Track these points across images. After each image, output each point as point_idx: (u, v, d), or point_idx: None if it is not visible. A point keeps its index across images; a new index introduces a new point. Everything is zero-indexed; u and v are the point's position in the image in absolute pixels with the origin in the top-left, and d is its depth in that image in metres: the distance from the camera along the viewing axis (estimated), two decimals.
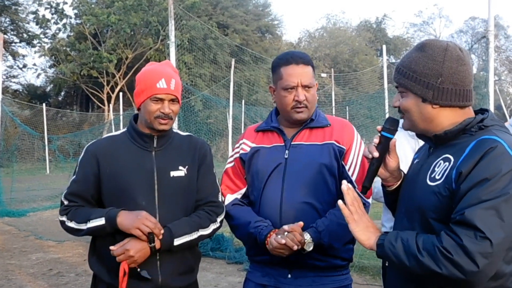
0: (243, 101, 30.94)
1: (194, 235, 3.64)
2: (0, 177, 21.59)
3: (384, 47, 24.95)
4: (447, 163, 2.60)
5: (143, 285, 3.58)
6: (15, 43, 50.70)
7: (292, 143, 3.76)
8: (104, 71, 46.28)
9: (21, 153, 34.55)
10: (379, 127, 2.96)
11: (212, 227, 3.75)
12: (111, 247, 3.48)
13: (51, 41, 49.25)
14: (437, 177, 2.62)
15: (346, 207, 2.84)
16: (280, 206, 3.66)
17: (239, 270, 9.90)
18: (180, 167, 3.73)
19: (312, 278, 3.62)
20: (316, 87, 3.82)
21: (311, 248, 3.50)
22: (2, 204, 18.32)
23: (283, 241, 3.42)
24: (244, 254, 8.44)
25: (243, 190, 3.92)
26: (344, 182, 2.94)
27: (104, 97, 48.18)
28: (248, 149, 3.87)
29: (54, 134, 37.51)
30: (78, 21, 48.05)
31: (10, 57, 50.34)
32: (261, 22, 56.59)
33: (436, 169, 2.67)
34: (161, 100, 3.59)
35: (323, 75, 45.04)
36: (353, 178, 3.68)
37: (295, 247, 3.42)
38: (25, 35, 49.80)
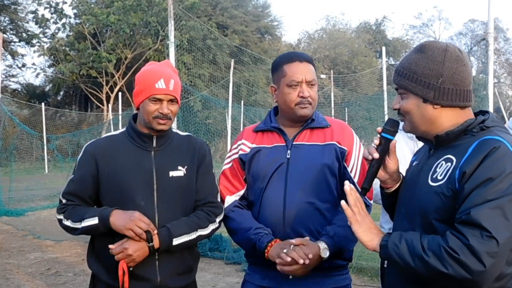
0: (242, 101, 30.95)
1: (193, 235, 3.64)
2: None
3: (383, 49, 24.93)
4: (449, 164, 2.60)
5: (142, 285, 3.59)
6: (14, 42, 50.70)
7: (294, 143, 3.75)
8: (103, 71, 46.27)
9: (19, 153, 34.55)
10: (379, 128, 2.95)
11: (211, 227, 3.74)
12: (110, 246, 3.48)
13: (50, 40, 49.22)
14: (439, 178, 2.62)
15: (349, 208, 2.84)
16: (284, 206, 3.65)
17: (237, 270, 9.90)
18: (179, 167, 3.73)
19: (314, 279, 3.61)
20: (317, 86, 3.82)
21: (327, 255, 3.47)
22: (0, 204, 18.30)
23: (289, 259, 3.38)
24: (242, 255, 8.44)
25: (241, 192, 3.89)
26: (347, 182, 2.92)
27: (103, 97, 48.17)
28: (248, 149, 3.84)
29: (53, 133, 37.52)
30: (78, 21, 48.04)
31: (9, 57, 50.36)
32: (261, 23, 56.59)
33: (437, 169, 2.66)
34: (160, 100, 3.59)
35: (322, 76, 45.03)
36: (355, 180, 3.68)
37: (301, 261, 3.37)
38: (24, 35, 49.78)
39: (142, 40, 45.34)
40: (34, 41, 49.43)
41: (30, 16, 48.62)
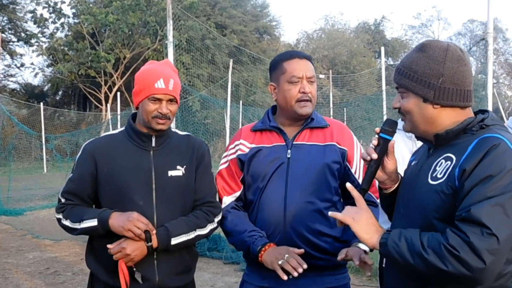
0: (240, 101, 30.93)
1: (191, 235, 3.64)
2: None
3: (382, 49, 24.93)
4: (448, 162, 2.60)
5: (141, 285, 3.59)
6: (13, 42, 50.68)
7: (294, 142, 3.75)
8: (102, 71, 46.23)
9: (18, 152, 34.51)
10: (377, 129, 2.95)
11: (209, 227, 3.74)
12: (109, 245, 3.49)
13: (49, 40, 49.14)
14: (439, 176, 2.61)
15: (354, 190, 2.87)
16: (284, 205, 3.65)
17: (235, 270, 9.90)
18: (178, 167, 3.73)
19: (313, 278, 3.62)
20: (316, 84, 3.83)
21: (368, 248, 3.44)
22: None
23: (285, 277, 3.40)
24: (241, 254, 8.44)
25: (238, 193, 3.88)
26: (348, 184, 2.94)
27: (102, 96, 48.17)
28: (246, 150, 3.83)
29: (52, 133, 37.48)
30: (76, 21, 48.01)
31: (7, 56, 50.31)
32: (259, 23, 56.55)
33: (437, 168, 2.66)
34: (159, 100, 3.59)
35: (321, 76, 45.00)
36: (360, 180, 3.68)
37: (296, 274, 3.38)
38: (22, 34, 49.75)
39: (141, 40, 45.32)
40: (32, 41, 49.36)
41: (29, 15, 48.62)
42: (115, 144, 3.76)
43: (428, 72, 2.67)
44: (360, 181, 3.67)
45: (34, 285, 9.19)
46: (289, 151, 3.73)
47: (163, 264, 3.64)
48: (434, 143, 2.77)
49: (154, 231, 3.51)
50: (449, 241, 2.37)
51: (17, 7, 49.34)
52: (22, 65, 52.84)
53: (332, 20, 75.70)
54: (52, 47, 47.30)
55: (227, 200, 3.88)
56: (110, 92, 47.22)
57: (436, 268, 2.41)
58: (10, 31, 49.90)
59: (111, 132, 3.95)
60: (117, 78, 46.89)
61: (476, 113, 2.78)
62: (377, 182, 3.13)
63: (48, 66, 53.11)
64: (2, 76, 51.30)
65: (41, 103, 40.24)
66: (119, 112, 36.36)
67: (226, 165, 3.92)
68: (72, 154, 29.84)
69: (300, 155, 3.72)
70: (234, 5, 52.91)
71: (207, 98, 32.80)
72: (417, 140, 2.97)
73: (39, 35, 49.16)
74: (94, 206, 3.80)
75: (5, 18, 48.99)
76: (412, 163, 3.02)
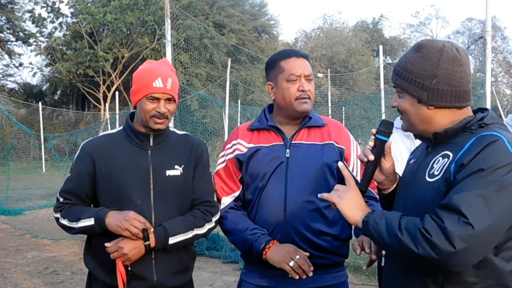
0: (239, 101, 30.93)
1: (189, 234, 3.65)
2: None
3: (380, 47, 24.87)
4: (446, 159, 2.60)
5: (138, 283, 3.59)
6: (11, 41, 50.65)
7: (293, 142, 3.76)
8: (100, 70, 46.24)
9: (17, 152, 34.47)
10: (374, 130, 2.96)
11: (207, 226, 3.75)
12: (106, 244, 3.50)
13: (47, 40, 49.09)
14: (436, 173, 2.62)
15: (345, 169, 2.92)
16: (284, 205, 3.66)
17: (234, 269, 9.90)
18: (176, 166, 3.73)
19: (313, 276, 3.60)
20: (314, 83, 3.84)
21: None
22: None
23: (297, 276, 3.46)
24: (239, 254, 8.45)
25: (237, 193, 3.88)
26: (340, 162, 3.01)
27: (100, 96, 48.16)
28: (244, 149, 3.82)
29: (50, 133, 37.45)
30: (74, 20, 48.00)
31: (6, 56, 50.35)
32: (258, 22, 56.57)
33: (434, 165, 2.66)
34: (157, 99, 3.59)
35: (319, 75, 45.02)
36: (358, 178, 3.68)
37: (304, 276, 3.46)
38: (21, 34, 49.70)
39: (139, 39, 45.32)
40: (31, 40, 49.32)
41: (27, 15, 48.57)
42: (113, 143, 3.76)
43: (422, 73, 2.67)
44: (358, 179, 3.67)
45: (33, 284, 9.19)
46: (287, 150, 3.74)
47: (161, 264, 3.64)
48: (433, 142, 2.78)
49: (152, 230, 3.52)
50: (425, 225, 2.39)
51: (15, 7, 49.32)
52: (21, 64, 52.87)
53: (330, 19, 75.81)
54: (51, 46, 47.29)
55: (226, 200, 3.88)
56: (109, 92, 47.20)
57: (408, 250, 2.42)
58: (8, 31, 49.92)
59: (109, 131, 3.95)
60: (115, 77, 46.90)
61: (475, 112, 2.78)
62: (375, 182, 3.14)
63: (46, 65, 53.18)
64: (0, 75, 51.38)
65: (40, 103, 40.18)
66: (117, 111, 36.36)
67: (223, 165, 3.91)
68: (70, 154, 29.80)
69: (299, 154, 3.73)
70: (232, 4, 52.93)
71: (206, 97, 32.74)
72: (416, 138, 2.98)
73: (38, 34, 49.14)
74: (92, 205, 3.81)
75: (3, 17, 48.96)
76: (411, 162, 3.03)
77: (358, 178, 3.69)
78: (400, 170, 3.11)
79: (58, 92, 57.17)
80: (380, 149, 2.92)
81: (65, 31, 49.22)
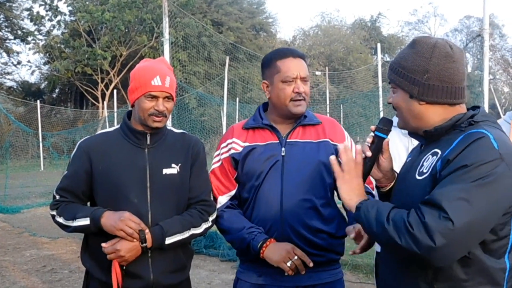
0: (237, 98, 30.90)
1: (185, 234, 3.65)
2: None
3: (378, 45, 24.89)
4: (434, 157, 2.62)
5: (135, 282, 3.60)
6: (9, 40, 50.58)
7: (288, 140, 3.77)
8: (99, 68, 46.17)
9: (15, 150, 34.44)
10: (372, 127, 2.98)
11: (204, 226, 3.76)
12: (103, 244, 3.50)
13: (46, 38, 49.05)
14: (425, 171, 2.65)
15: (337, 164, 2.88)
16: (281, 203, 3.67)
17: (232, 267, 9.90)
18: (173, 165, 3.73)
19: (309, 274, 3.63)
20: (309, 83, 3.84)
21: None
22: None
23: (303, 272, 3.53)
24: None
25: (233, 192, 3.89)
26: (343, 144, 2.98)
27: (98, 94, 48.11)
28: (240, 148, 3.83)
29: (48, 131, 37.41)
30: (73, 18, 47.90)
31: (4, 54, 50.31)
32: (256, 20, 56.56)
33: (424, 163, 2.69)
34: (156, 97, 3.60)
35: (318, 73, 44.97)
36: None
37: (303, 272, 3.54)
38: (19, 32, 49.60)
39: (137, 37, 45.25)
40: (29, 39, 49.19)
41: (25, 13, 48.45)
42: (110, 142, 3.77)
43: (414, 69, 2.70)
44: None
45: (31, 282, 9.20)
46: (283, 149, 3.75)
47: (157, 262, 3.65)
48: (425, 139, 2.80)
49: (147, 230, 3.52)
50: (409, 218, 2.41)
51: (13, 5, 49.24)
52: (19, 62, 52.76)
53: (328, 17, 75.76)
54: (49, 44, 47.24)
55: (223, 199, 3.89)
56: (107, 90, 47.16)
57: (392, 240, 2.45)
58: (6, 29, 49.86)
59: (106, 130, 3.95)
60: (113, 75, 46.86)
61: (469, 110, 2.79)
62: (374, 181, 3.15)
63: (44, 63, 53.11)
64: None
65: (38, 101, 40.15)
66: (115, 109, 36.36)
67: (219, 164, 3.92)
68: (68, 152, 29.77)
69: (294, 152, 3.74)
70: (230, 2, 52.92)
71: (204, 95, 32.71)
72: (410, 136, 2.99)
73: (36, 32, 49.03)
74: (89, 203, 3.82)
75: (1, 16, 48.89)
76: (407, 160, 3.04)
77: None
78: (397, 168, 3.12)
79: (56, 90, 57.15)
80: (378, 146, 2.95)
81: (63, 29, 49.13)
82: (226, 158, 3.87)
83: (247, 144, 3.83)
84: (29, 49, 50.88)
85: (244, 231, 3.67)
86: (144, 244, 3.50)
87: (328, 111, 35.14)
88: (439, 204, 2.34)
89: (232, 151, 3.85)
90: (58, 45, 47.07)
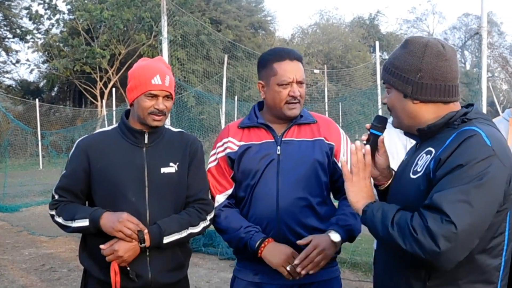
0: (236, 97, 30.85)
1: (183, 233, 3.66)
2: None
3: (377, 43, 24.87)
4: (428, 156, 2.64)
5: (133, 282, 3.60)
6: (8, 38, 50.53)
7: (283, 139, 3.78)
8: (97, 67, 46.11)
9: (14, 149, 34.48)
10: (368, 125, 2.99)
11: (202, 225, 3.77)
12: (101, 246, 3.51)
13: (44, 36, 48.96)
14: (419, 170, 2.66)
15: (346, 166, 2.89)
16: (277, 201, 3.68)
17: (231, 266, 9.88)
18: (171, 164, 3.74)
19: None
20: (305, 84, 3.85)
21: (339, 238, 3.57)
22: None
23: (303, 272, 3.52)
24: None
25: (229, 191, 3.90)
26: (357, 142, 2.95)
27: (97, 92, 48.05)
28: (235, 147, 3.84)
29: (47, 129, 37.44)
30: (71, 17, 47.79)
31: (3, 53, 50.26)
32: (254, 18, 56.46)
33: (419, 162, 2.70)
34: (156, 96, 3.61)
35: (316, 71, 45.02)
36: None
37: (311, 272, 3.53)
38: (18, 31, 49.53)
39: (136, 36, 45.17)
40: (28, 37, 49.13)
41: (24, 12, 48.36)
42: (108, 140, 3.78)
43: (407, 68, 2.72)
44: None
45: (30, 281, 9.21)
46: (278, 147, 3.76)
47: (155, 261, 3.66)
48: (419, 138, 2.81)
49: (146, 230, 3.53)
50: (413, 222, 2.41)
51: (12, 4, 49.18)
52: (18, 61, 52.70)
53: (327, 15, 75.68)
54: (48, 43, 47.18)
55: (220, 198, 3.90)
56: (106, 88, 47.12)
57: (396, 244, 2.46)
58: (5, 28, 49.79)
59: (104, 128, 3.97)
60: (112, 74, 46.81)
61: (462, 108, 2.80)
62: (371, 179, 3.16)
63: (43, 62, 53.04)
64: None
65: (37, 99, 40.14)
66: (114, 108, 36.33)
67: (215, 162, 3.93)
68: (67, 150, 29.79)
69: (290, 151, 3.75)
70: (229, 0, 52.84)
71: (202, 93, 32.69)
72: (405, 135, 3.01)
73: (35, 31, 48.94)
74: (87, 202, 3.83)
75: (0, 14, 48.84)
76: (404, 158, 3.05)
77: None
78: (395, 166, 3.13)
79: (55, 89, 57.08)
80: (373, 143, 2.96)
81: (62, 28, 49.04)
82: (222, 157, 3.88)
83: (242, 143, 3.84)
84: (28, 47, 50.90)
85: (241, 230, 3.69)
86: (143, 245, 3.51)
87: (326, 109, 35.13)
88: (440, 208, 2.34)
89: (228, 150, 3.86)
90: (57, 43, 47.04)
